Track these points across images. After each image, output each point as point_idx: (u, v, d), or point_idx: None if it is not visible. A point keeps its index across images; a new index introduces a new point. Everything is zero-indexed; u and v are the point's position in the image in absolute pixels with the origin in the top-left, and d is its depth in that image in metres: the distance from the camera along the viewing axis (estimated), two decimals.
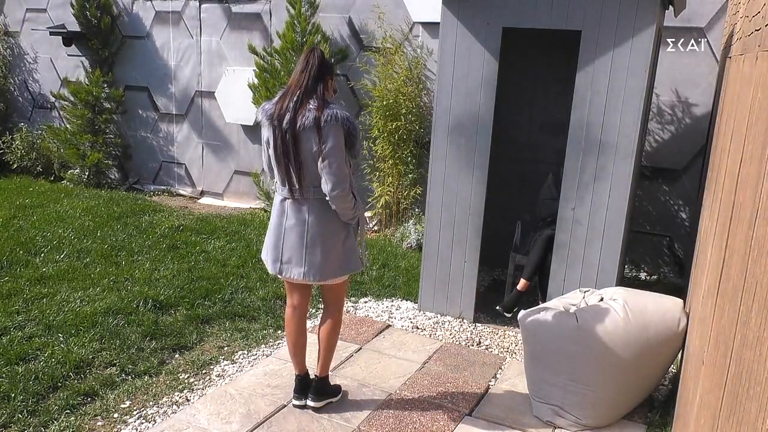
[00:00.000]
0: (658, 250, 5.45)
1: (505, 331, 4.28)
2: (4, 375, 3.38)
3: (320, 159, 2.84)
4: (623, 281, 4.71)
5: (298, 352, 3.23)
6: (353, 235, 3.05)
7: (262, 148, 3.03)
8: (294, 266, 2.99)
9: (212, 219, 6.50)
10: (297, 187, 2.91)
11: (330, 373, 3.32)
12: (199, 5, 7.10)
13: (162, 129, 7.71)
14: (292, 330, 3.20)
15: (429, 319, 4.38)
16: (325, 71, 2.90)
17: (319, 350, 3.23)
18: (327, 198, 2.89)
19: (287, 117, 2.83)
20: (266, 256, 3.09)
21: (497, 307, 4.37)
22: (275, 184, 3.04)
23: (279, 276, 3.05)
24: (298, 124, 2.81)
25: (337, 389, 3.33)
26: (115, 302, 4.30)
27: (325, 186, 2.86)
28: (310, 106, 2.82)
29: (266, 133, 2.94)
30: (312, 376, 3.28)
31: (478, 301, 4.37)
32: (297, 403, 3.24)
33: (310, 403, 3.22)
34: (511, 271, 4.52)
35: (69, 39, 7.72)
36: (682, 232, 5.35)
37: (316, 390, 3.23)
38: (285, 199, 2.98)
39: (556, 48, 5.01)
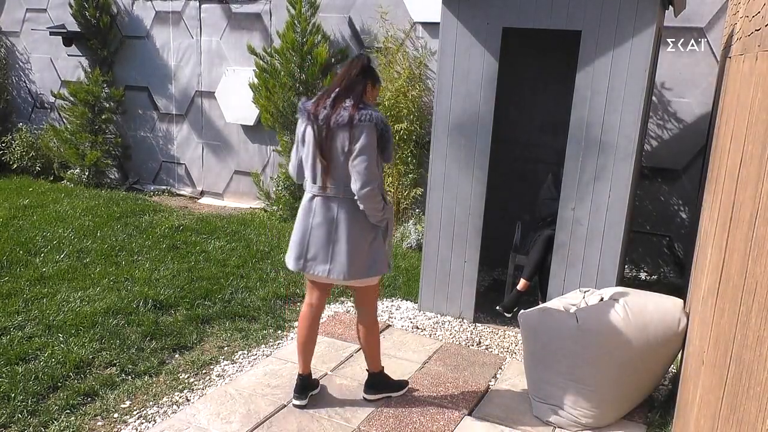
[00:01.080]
0: (658, 250, 5.45)
1: (505, 331, 4.28)
2: (4, 375, 3.38)
3: (351, 158, 2.87)
4: (623, 281, 4.71)
5: (305, 350, 3.24)
6: (381, 237, 3.06)
7: (295, 144, 3.09)
8: (319, 264, 3.01)
9: (212, 219, 6.50)
10: (327, 184, 2.95)
11: (330, 373, 3.32)
12: (199, 5, 7.10)
13: (162, 129, 7.71)
14: (303, 327, 3.23)
15: (429, 319, 4.38)
16: (367, 76, 2.97)
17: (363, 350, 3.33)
18: (355, 197, 2.91)
19: (323, 113, 2.90)
20: (289, 253, 3.10)
21: (497, 307, 4.37)
22: (304, 182, 3.08)
23: (302, 273, 3.08)
24: (332, 121, 2.87)
25: (399, 384, 3.40)
26: (115, 302, 4.30)
27: (354, 185, 2.88)
28: (346, 105, 2.88)
29: (301, 128, 3.01)
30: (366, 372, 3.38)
31: (478, 301, 4.37)
32: (296, 402, 3.24)
33: (364, 395, 3.33)
34: (511, 271, 4.52)
35: (69, 39, 7.72)
36: (682, 232, 5.35)
37: (370, 384, 3.33)
38: (314, 196, 3.00)
39: (556, 48, 5.01)
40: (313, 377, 3.33)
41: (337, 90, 2.93)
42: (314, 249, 3.00)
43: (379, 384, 3.34)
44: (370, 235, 3.00)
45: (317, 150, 2.93)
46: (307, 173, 3.02)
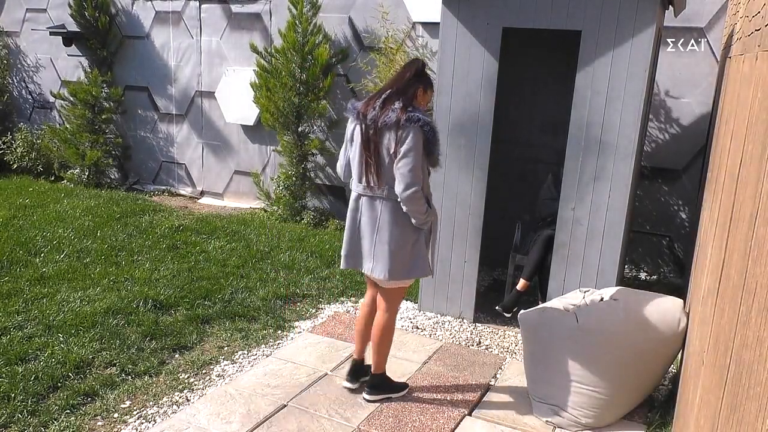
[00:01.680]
0: (658, 250, 5.45)
1: (505, 331, 4.28)
2: (4, 375, 3.38)
3: (396, 159, 2.92)
4: (623, 281, 4.71)
5: (359, 339, 3.41)
6: (424, 241, 3.08)
7: (344, 143, 3.16)
8: (365, 260, 3.12)
9: (212, 219, 6.50)
10: (372, 184, 3.00)
11: (330, 373, 3.32)
12: (199, 5, 7.10)
13: (162, 129, 7.71)
14: (360, 316, 3.40)
15: (429, 319, 4.38)
16: (420, 81, 3.02)
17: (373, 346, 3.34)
18: (398, 199, 2.95)
19: (372, 114, 2.97)
20: (342, 251, 3.21)
21: (497, 307, 4.37)
22: (351, 181, 3.15)
23: (356, 269, 3.18)
24: (380, 122, 2.93)
25: (399, 386, 3.39)
26: (115, 302, 4.30)
27: (398, 186, 2.93)
28: (395, 106, 2.93)
29: (350, 127, 3.10)
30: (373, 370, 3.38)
31: (478, 301, 4.37)
32: (346, 384, 3.39)
33: (364, 395, 3.34)
34: (511, 271, 4.52)
35: (69, 39, 7.73)
36: (682, 232, 5.35)
37: (371, 384, 3.34)
38: (360, 196, 3.08)
39: (556, 48, 5.01)
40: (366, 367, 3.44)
41: (388, 91, 3.00)
42: (361, 247, 3.11)
43: (380, 385, 3.34)
44: (413, 237, 3.04)
45: (364, 150, 2.98)
46: (354, 172, 3.09)
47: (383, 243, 3.02)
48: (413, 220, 3.00)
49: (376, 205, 3.02)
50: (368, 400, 3.31)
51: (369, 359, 3.40)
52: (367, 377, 3.39)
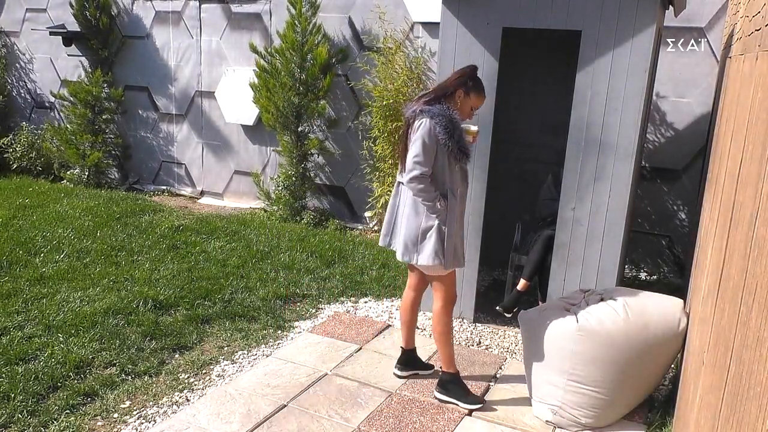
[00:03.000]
0: (658, 250, 5.45)
1: (505, 331, 4.28)
2: (4, 375, 3.38)
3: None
4: (623, 281, 4.71)
5: (403, 328, 3.58)
6: (440, 229, 3.15)
7: None
8: (392, 240, 3.36)
9: (212, 219, 6.49)
10: (401, 170, 3.23)
11: (330, 373, 3.31)
12: (199, 5, 7.10)
13: (162, 129, 7.71)
14: (402, 305, 3.56)
15: (429, 319, 4.37)
16: (462, 84, 3.18)
17: None
18: None
19: (409, 108, 3.20)
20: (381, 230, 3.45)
21: (497, 308, 4.37)
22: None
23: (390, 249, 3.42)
24: (407, 114, 3.18)
25: (472, 399, 3.32)
26: (115, 302, 4.30)
27: (405, 173, 3.14)
28: (421, 101, 3.15)
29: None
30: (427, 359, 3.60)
31: (478, 301, 4.37)
32: (396, 372, 3.57)
33: (434, 390, 3.40)
34: (511, 271, 4.51)
35: (69, 39, 7.73)
36: (681, 232, 5.35)
37: (439, 381, 3.41)
38: (398, 182, 3.31)
39: (556, 48, 5.01)
40: (426, 361, 3.66)
41: (428, 91, 3.24)
42: (393, 228, 3.36)
43: (449, 386, 3.35)
44: (425, 223, 3.16)
45: (400, 140, 3.26)
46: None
47: (400, 225, 3.27)
48: (428, 209, 3.14)
49: (401, 190, 3.29)
50: (435, 397, 3.37)
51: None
52: (427, 372, 3.59)
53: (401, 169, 3.24)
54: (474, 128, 3.28)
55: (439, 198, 3.11)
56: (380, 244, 3.44)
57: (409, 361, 3.59)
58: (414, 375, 3.58)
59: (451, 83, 3.18)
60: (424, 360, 3.67)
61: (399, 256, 3.26)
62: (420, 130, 3.06)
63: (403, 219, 3.24)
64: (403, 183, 3.22)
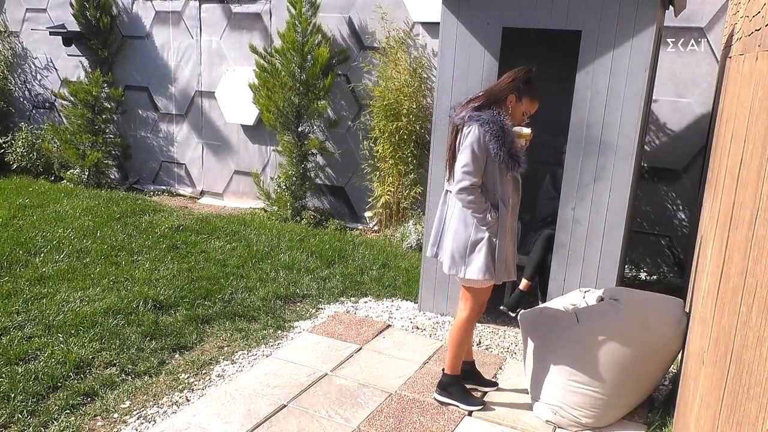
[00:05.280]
0: (658, 250, 5.45)
1: (505, 331, 4.28)
2: (4, 375, 3.38)
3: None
4: (623, 281, 4.71)
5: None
6: (490, 242, 3.03)
7: None
8: (439, 249, 3.23)
9: (212, 219, 6.49)
10: (449, 178, 3.11)
11: (330, 373, 3.31)
12: (199, 5, 7.10)
13: (162, 129, 7.71)
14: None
15: (429, 319, 4.38)
16: (515, 87, 3.00)
17: None
18: None
19: (457, 112, 3.04)
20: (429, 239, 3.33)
21: (502, 307, 4.38)
22: None
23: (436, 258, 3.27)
24: (455, 120, 3.03)
25: (472, 401, 3.30)
26: (115, 302, 4.30)
27: (453, 182, 3.02)
28: (470, 106, 2.98)
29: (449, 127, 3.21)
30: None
31: None
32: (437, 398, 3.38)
33: (434, 392, 3.35)
34: None
35: (69, 39, 7.72)
36: (681, 232, 5.35)
37: (439, 383, 3.34)
38: (446, 190, 3.17)
39: (556, 48, 5.01)
40: (485, 377, 3.51)
41: (477, 94, 3.05)
42: (441, 239, 3.21)
43: (449, 388, 3.31)
44: (475, 236, 3.03)
45: (448, 147, 3.10)
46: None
47: (447, 235, 3.12)
48: (477, 221, 3.02)
49: (449, 199, 3.15)
50: (435, 399, 3.33)
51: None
52: (489, 389, 3.46)
53: (448, 177, 3.10)
54: (527, 131, 3.05)
55: (490, 209, 2.97)
56: (427, 254, 3.30)
57: (470, 375, 3.45)
58: (453, 405, 3.34)
59: (502, 87, 3.00)
60: (421, 362, 3.66)
61: (446, 269, 3.13)
62: (469, 137, 2.91)
63: (451, 230, 3.09)
64: (451, 192, 3.08)
